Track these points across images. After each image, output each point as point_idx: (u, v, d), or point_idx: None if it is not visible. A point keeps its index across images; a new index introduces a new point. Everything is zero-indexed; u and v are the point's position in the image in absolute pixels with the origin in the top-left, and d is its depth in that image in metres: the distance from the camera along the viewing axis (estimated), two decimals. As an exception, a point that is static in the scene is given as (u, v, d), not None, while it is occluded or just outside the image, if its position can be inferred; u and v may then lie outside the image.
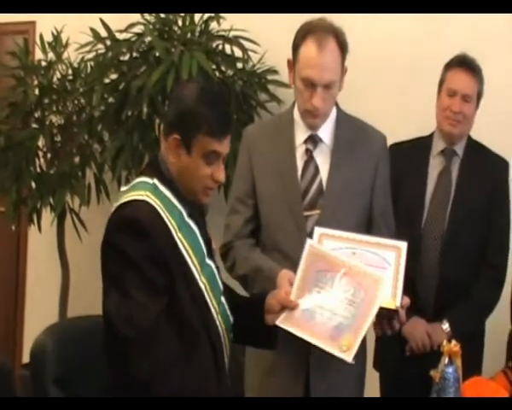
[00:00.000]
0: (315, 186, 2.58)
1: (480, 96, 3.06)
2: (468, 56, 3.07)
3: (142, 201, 2.10)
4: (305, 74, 2.49)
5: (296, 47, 2.53)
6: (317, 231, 2.47)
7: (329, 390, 2.54)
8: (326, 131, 2.61)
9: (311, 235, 2.49)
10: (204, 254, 2.22)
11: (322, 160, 2.60)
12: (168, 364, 2.03)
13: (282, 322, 2.36)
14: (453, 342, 2.37)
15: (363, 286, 2.37)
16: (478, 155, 3.10)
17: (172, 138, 2.12)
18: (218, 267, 2.31)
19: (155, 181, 2.15)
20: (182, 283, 2.12)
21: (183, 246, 2.14)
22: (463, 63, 3.04)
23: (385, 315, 2.41)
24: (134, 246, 2.04)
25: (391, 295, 2.38)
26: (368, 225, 2.62)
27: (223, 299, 2.27)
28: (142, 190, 2.13)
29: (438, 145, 3.11)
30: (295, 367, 2.55)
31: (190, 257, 2.15)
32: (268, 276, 2.50)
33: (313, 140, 2.60)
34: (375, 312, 2.33)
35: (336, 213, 2.55)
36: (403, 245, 2.45)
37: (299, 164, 2.60)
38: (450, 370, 2.35)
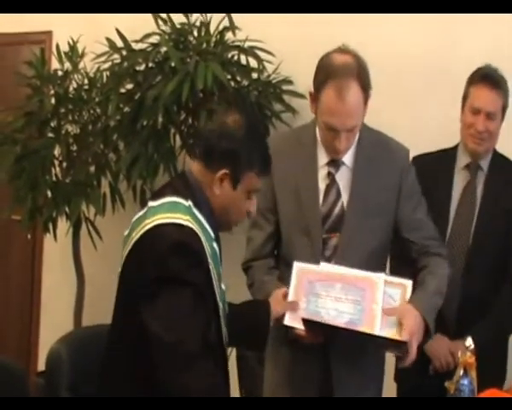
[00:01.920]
0: (337, 210, 2.56)
1: (505, 108, 3.00)
2: (491, 69, 3.00)
3: (188, 227, 2.08)
4: (328, 121, 2.45)
5: (317, 88, 2.47)
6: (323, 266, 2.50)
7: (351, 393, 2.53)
8: (348, 153, 2.57)
9: (329, 258, 2.52)
10: (221, 278, 2.23)
11: (345, 183, 2.57)
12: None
13: (290, 322, 2.39)
14: (468, 353, 2.36)
15: (359, 287, 2.41)
16: (503, 169, 3.06)
17: (222, 173, 2.13)
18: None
19: (190, 204, 2.13)
20: (211, 305, 2.14)
21: (212, 271, 2.14)
22: (486, 78, 2.96)
23: (393, 347, 2.41)
24: (191, 272, 2.04)
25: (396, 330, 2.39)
26: (395, 242, 2.63)
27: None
28: (182, 213, 2.10)
29: (462, 159, 3.07)
30: (315, 377, 2.55)
31: (215, 281, 2.16)
32: None
33: (335, 163, 2.58)
34: (381, 302, 2.37)
35: (356, 236, 2.54)
36: (408, 283, 2.46)
37: (321, 186, 2.57)
38: (465, 382, 2.34)
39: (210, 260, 2.12)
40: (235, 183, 2.14)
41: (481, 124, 2.95)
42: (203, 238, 2.10)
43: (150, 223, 2.10)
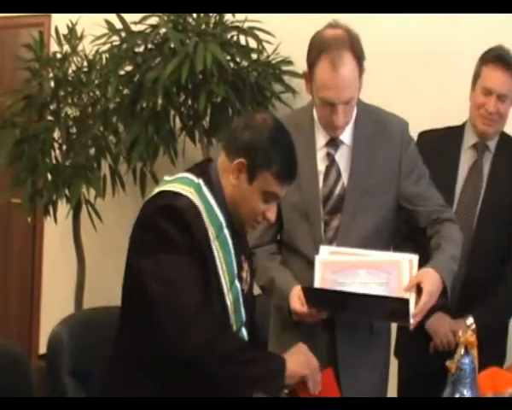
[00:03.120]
0: (337, 191, 2.54)
1: None
2: (504, 50, 2.96)
3: (185, 196, 2.10)
4: (324, 95, 2.43)
5: (311, 64, 2.45)
6: (325, 249, 2.47)
7: (356, 378, 2.53)
8: (346, 132, 2.55)
9: (331, 240, 2.50)
10: (235, 274, 2.19)
11: (344, 163, 2.55)
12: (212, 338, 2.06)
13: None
14: (469, 332, 2.35)
15: (383, 269, 2.39)
16: (510, 151, 3.04)
17: (239, 162, 2.12)
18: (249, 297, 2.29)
19: (200, 182, 2.15)
20: (214, 288, 2.12)
21: (218, 255, 2.13)
22: (500, 59, 2.92)
23: (397, 316, 2.40)
24: (176, 233, 2.05)
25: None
26: (398, 217, 2.61)
27: (244, 330, 2.24)
28: (187, 185, 2.13)
29: (470, 138, 3.04)
30: (319, 359, 2.54)
31: (222, 269, 2.14)
32: (280, 290, 2.50)
33: (334, 143, 2.56)
34: (408, 281, 2.35)
35: (357, 216, 2.52)
36: (414, 258, 2.43)
37: (321, 168, 2.55)
38: (466, 360, 2.33)
39: (216, 243, 2.12)
40: (251, 177, 2.12)
41: (493, 105, 2.92)
42: (205, 215, 2.10)
43: (154, 192, 2.16)
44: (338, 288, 2.38)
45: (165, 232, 2.06)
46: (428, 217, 2.56)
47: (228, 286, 2.15)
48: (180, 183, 2.15)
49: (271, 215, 2.20)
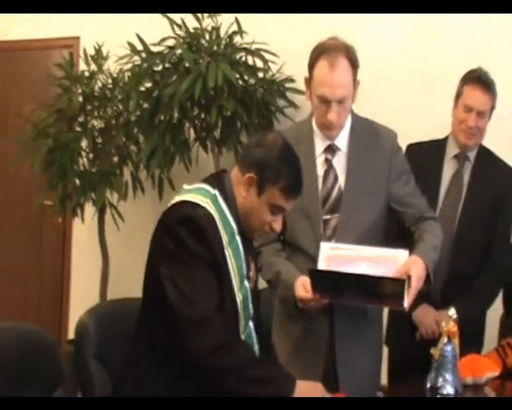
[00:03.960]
0: (335, 192, 2.54)
1: (493, 108, 2.99)
2: (483, 72, 2.98)
3: (203, 207, 2.08)
4: (320, 92, 2.45)
5: (311, 67, 2.49)
6: (325, 245, 2.46)
7: (352, 360, 2.52)
8: (343, 139, 2.56)
9: (330, 237, 2.50)
10: (244, 275, 2.18)
11: (341, 167, 2.55)
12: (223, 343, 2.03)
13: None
14: (451, 323, 2.36)
15: (381, 263, 2.38)
16: (488, 162, 3.05)
17: (249, 176, 2.11)
18: (255, 293, 2.26)
19: (216, 192, 2.13)
20: (227, 291, 2.11)
21: (230, 260, 2.11)
22: (480, 80, 2.94)
23: (393, 299, 2.39)
24: (194, 243, 2.03)
25: None
26: (388, 217, 2.60)
27: (251, 324, 2.22)
28: (204, 196, 2.11)
29: (452, 150, 3.05)
30: (319, 345, 2.54)
31: (234, 272, 2.12)
32: (286, 281, 2.49)
33: (331, 149, 2.56)
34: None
35: (353, 215, 2.52)
36: (405, 253, 2.42)
37: (320, 172, 2.55)
38: (448, 348, 2.34)
39: (228, 248, 2.10)
40: (260, 191, 2.11)
41: (473, 121, 2.93)
42: (220, 224, 2.09)
43: (175, 201, 2.13)
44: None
45: (184, 242, 2.03)
46: (413, 217, 2.57)
47: (238, 286, 2.13)
48: (198, 193, 2.12)
49: (277, 226, 2.18)
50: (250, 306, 2.21)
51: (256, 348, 2.22)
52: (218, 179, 2.19)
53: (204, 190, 2.14)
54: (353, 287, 2.34)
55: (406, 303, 2.31)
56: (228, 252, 2.10)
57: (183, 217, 2.06)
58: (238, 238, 2.15)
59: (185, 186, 2.20)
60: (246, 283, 2.18)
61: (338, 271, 2.35)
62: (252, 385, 2.02)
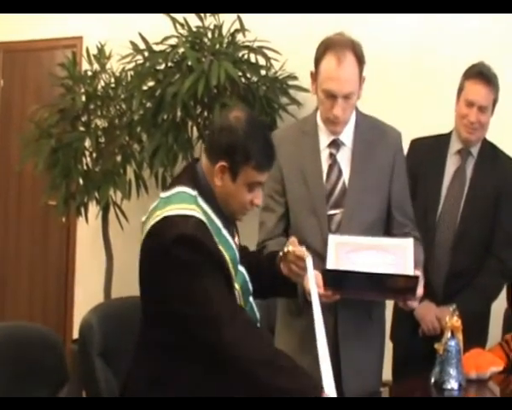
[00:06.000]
0: (339, 187, 2.53)
1: (495, 103, 2.98)
2: (485, 66, 2.97)
3: (192, 216, 2.04)
4: (326, 87, 2.44)
5: (317, 61, 2.47)
6: (333, 238, 2.44)
7: (355, 356, 2.51)
8: (347, 135, 2.55)
9: (335, 232, 2.48)
10: (237, 262, 2.17)
11: (345, 162, 2.55)
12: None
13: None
14: (455, 318, 2.36)
15: (389, 251, 2.38)
16: (491, 156, 3.04)
17: (220, 165, 2.06)
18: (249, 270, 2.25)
19: (196, 193, 2.08)
20: (231, 284, 2.12)
21: (224, 256, 2.10)
22: (481, 75, 2.93)
23: (401, 293, 2.39)
24: (196, 257, 2.00)
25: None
26: (387, 217, 2.60)
27: (251, 299, 2.24)
28: (188, 203, 2.06)
29: (455, 145, 3.04)
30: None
31: (228, 265, 2.11)
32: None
33: (336, 144, 2.55)
34: (413, 262, 2.34)
35: (357, 211, 2.51)
36: (409, 241, 2.41)
37: (324, 167, 2.54)
38: (452, 343, 2.34)
39: (221, 247, 2.08)
40: (234, 176, 2.07)
41: (474, 116, 2.92)
42: (210, 227, 2.06)
43: (160, 215, 2.06)
44: (351, 266, 2.36)
45: (185, 260, 2.00)
46: (399, 227, 2.56)
47: (234, 277, 2.13)
48: (181, 202, 2.06)
49: (258, 201, 2.14)
50: (249, 285, 2.21)
51: (257, 315, 2.24)
52: (193, 175, 2.13)
53: (185, 194, 2.08)
54: (366, 284, 2.35)
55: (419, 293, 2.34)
56: (220, 250, 2.09)
57: (179, 237, 2.00)
58: (225, 232, 2.13)
59: (162, 194, 2.14)
60: (240, 268, 2.18)
61: (351, 270, 2.34)
62: (283, 376, 1.97)
